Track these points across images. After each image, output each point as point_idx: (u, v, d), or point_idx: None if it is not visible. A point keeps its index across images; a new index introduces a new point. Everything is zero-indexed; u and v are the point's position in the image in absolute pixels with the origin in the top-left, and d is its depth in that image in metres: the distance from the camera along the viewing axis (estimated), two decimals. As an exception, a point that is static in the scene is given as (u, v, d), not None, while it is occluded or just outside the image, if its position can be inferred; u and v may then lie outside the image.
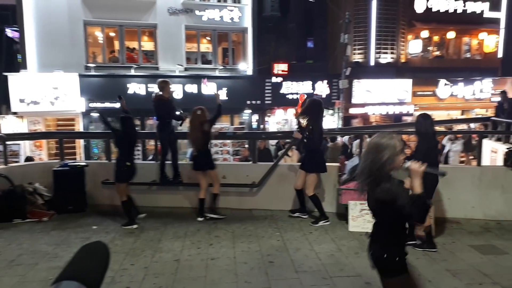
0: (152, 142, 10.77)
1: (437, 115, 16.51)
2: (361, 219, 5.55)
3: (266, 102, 16.71)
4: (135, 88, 14.77)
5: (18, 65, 14.42)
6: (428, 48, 19.45)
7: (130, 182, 5.85)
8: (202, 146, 6.01)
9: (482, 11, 19.45)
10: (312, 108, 5.81)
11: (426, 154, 4.28)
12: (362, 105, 17.92)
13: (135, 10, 14.86)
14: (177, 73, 15.24)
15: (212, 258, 4.60)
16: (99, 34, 15.35)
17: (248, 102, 16.24)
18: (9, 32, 15.96)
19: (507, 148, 6.66)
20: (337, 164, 6.48)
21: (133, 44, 15.72)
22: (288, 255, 4.69)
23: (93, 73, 14.51)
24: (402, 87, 18.24)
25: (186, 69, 15.64)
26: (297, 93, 16.83)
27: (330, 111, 17.11)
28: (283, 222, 5.94)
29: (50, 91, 13.52)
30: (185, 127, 6.77)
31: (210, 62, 16.47)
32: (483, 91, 19.24)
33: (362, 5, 18.06)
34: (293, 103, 17.12)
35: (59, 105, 13.66)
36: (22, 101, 13.31)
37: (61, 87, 13.64)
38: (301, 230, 5.58)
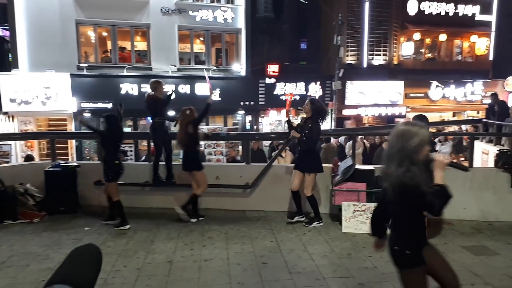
0: (144, 143, 10.72)
1: (429, 116, 16.45)
2: (354, 220, 5.57)
3: (260, 103, 16.73)
4: (128, 88, 14.70)
5: (9, 65, 14.26)
6: (420, 50, 19.62)
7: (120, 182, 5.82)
8: (188, 147, 5.96)
9: (474, 14, 19.69)
10: (320, 108, 5.82)
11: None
12: (355, 107, 18.02)
13: (128, 9, 14.79)
14: (170, 74, 15.20)
15: (205, 260, 4.58)
16: (91, 34, 15.25)
17: (242, 103, 16.25)
18: (0, 31, 15.79)
19: (498, 150, 6.74)
20: (330, 165, 6.49)
21: (126, 44, 15.64)
22: (282, 256, 4.68)
23: (85, 73, 14.41)
24: (394, 89, 18.38)
25: (179, 70, 15.60)
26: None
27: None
28: (277, 223, 5.94)
29: (41, 91, 13.39)
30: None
31: (203, 63, 16.44)
32: (474, 93, 19.46)
33: (355, 7, 18.17)
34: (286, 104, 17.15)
35: (50, 105, 13.54)
36: (13, 100, 13.16)
37: (52, 87, 13.52)
38: (295, 231, 5.58)
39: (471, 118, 17.70)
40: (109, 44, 15.48)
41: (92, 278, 1.13)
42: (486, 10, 19.79)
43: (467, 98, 19.41)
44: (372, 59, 18.53)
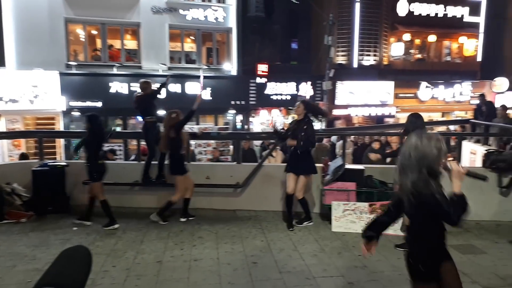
0: (134, 142, 10.62)
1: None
2: (344, 219, 5.60)
3: (251, 102, 16.72)
4: (118, 87, 14.56)
5: (-4, 62, 14.04)
6: (410, 51, 19.79)
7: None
8: (172, 150, 5.90)
9: (462, 16, 19.92)
10: (316, 108, 5.81)
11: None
12: (345, 107, 18.11)
13: (118, 8, 14.65)
14: (160, 72, 15.10)
15: (195, 259, 4.57)
16: (80, 32, 15.07)
17: (233, 102, 16.21)
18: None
19: (486, 150, 6.82)
20: (321, 164, 6.50)
21: (116, 43, 15.50)
22: (272, 256, 4.69)
23: (74, 71, 14.23)
24: (384, 89, 18.51)
25: (169, 69, 15.50)
26: (281, 94, 16.95)
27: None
28: (267, 222, 5.94)
29: (29, 89, 13.20)
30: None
31: (194, 62, 16.38)
32: (462, 94, 19.69)
33: (345, 8, 18.26)
34: (277, 104, 17.21)
35: (38, 104, 13.35)
36: (0, 99, 12.97)
37: (40, 85, 13.33)
38: (285, 230, 5.59)
39: (459, 118, 17.90)
40: (98, 43, 15.32)
41: (81, 280, 1.11)
42: (474, 11, 20.04)
43: (456, 98, 19.64)
44: (362, 60, 18.64)
